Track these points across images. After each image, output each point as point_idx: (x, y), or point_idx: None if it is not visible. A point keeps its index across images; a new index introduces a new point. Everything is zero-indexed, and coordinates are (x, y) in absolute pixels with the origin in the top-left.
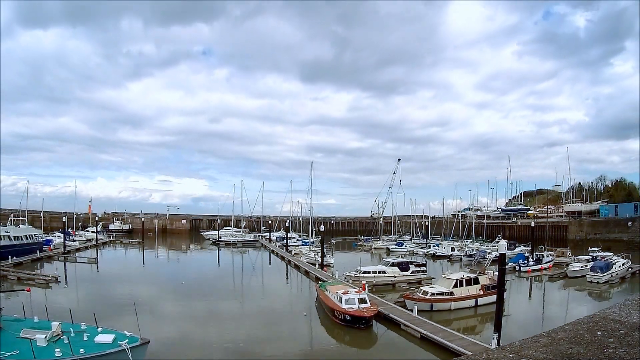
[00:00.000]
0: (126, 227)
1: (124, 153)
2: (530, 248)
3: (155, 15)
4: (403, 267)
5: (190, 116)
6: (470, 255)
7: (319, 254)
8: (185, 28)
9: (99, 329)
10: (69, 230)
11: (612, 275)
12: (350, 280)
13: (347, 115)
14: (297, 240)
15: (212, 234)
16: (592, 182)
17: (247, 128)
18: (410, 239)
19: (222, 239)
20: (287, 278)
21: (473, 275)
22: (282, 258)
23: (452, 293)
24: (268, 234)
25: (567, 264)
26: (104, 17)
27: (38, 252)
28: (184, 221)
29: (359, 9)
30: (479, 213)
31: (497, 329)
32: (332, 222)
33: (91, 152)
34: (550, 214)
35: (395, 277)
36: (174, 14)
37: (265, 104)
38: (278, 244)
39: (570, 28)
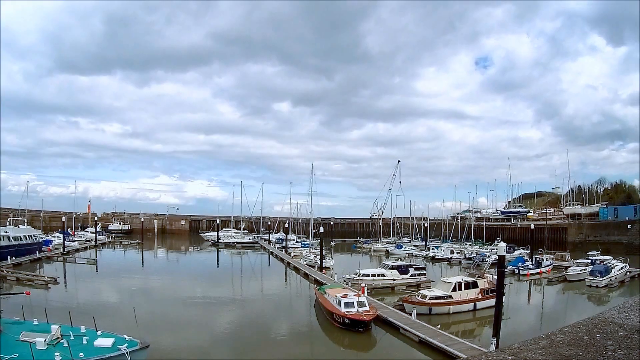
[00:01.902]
0: (125, 227)
1: (136, 157)
2: (529, 251)
3: (169, 64)
4: (402, 270)
5: (203, 132)
6: (470, 258)
7: (319, 256)
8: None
9: (99, 333)
10: (68, 230)
11: (611, 279)
12: (350, 283)
13: (344, 132)
14: (297, 242)
15: (211, 235)
16: (591, 185)
17: (253, 141)
18: (410, 241)
19: (221, 240)
20: (286, 280)
21: (472, 279)
22: (281, 260)
23: (450, 297)
24: (267, 235)
25: (566, 268)
26: (130, 65)
27: (37, 252)
28: (183, 222)
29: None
30: (478, 215)
31: (496, 332)
32: (332, 223)
33: (105, 157)
34: (550, 217)
35: (394, 280)
36: (176, 65)
37: (270, 123)
38: (277, 245)
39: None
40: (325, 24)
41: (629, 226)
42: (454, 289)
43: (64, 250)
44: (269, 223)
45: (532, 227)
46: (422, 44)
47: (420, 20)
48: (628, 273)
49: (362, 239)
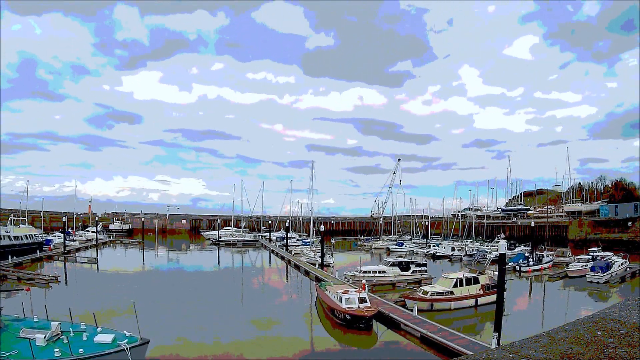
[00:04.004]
0: (126, 227)
1: (121, 152)
2: (530, 248)
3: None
4: (403, 266)
5: (187, 112)
6: (471, 255)
7: (319, 254)
8: (182, 14)
9: (99, 329)
10: (69, 230)
11: (612, 275)
12: (351, 279)
13: (347, 110)
14: (297, 240)
15: (212, 234)
16: (592, 182)
17: (246, 125)
18: (411, 239)
19: (222, 239)
20: (287, 278)
21: (473, 275)
22: (282, 258)
23: (452, 292)
24: (268, 233)
25: (567, 264)
26: (97, 5)
27: (38, 252)
28: (184, 221)
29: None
30: (479, 213)
31: (497, 328)
32: (332, 222)
33: (87, 151)
34: (550, 214)
35: (395, 276)
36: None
37: (264, 99)
38: (278, 243)
39: (582, 17)
40: None
41: (629, 224)
42: (455, 285)
43: (64, 249)
44: (270, 222)
45: (533, 224)
46: None
47: None
48: (628, 269)
49: (362, 237)
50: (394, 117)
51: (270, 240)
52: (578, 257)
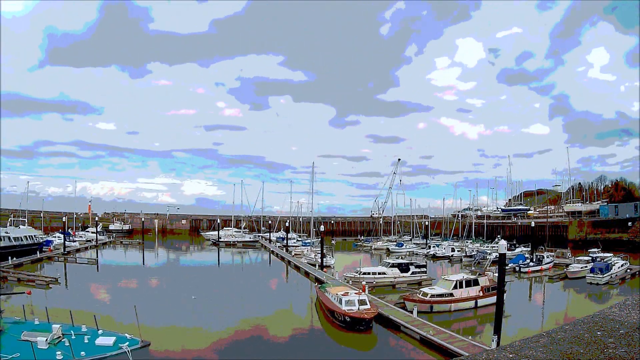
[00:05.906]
0: (126, 227)
1: (133, 155)
2: (530, 249)
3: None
4: (403, 268)
5: (198, 128)
6: (471, 256)
7: (319, 255)
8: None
9: (100, 332)
10: (69, 230)
11: (611, 277)
12: (351, 281)
13: (345, 126)
14: (297, 240)
15: (212, 234)
16: (592, 182)
17: (251, 136)
18: (410, 240)
19: (222, 240)
20: (287, 279)
21: (473, 277)
22: (282, 259)
23: (452, 294)
24: (268, 234)
25: (567, 265)
26: (126, 58)
27: (38, 252)
28: (184, 221)
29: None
30: (479, 213)
31: (497, 330)
32: (332, 222)
33: (102, 156)
34: (550, 214)
35: (395, 278)
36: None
37: (268, 117)
38: (278, 244)
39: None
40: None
41: (629, 224)
42: (455, 287)
43: (64, 250)
44: (270, 222)
45: (533, 224)
46: (433, 31)
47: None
48: (628, 270)
49: (362, 238)
50: (391, 132)
51: (270, 240)
52: (578, 258)
